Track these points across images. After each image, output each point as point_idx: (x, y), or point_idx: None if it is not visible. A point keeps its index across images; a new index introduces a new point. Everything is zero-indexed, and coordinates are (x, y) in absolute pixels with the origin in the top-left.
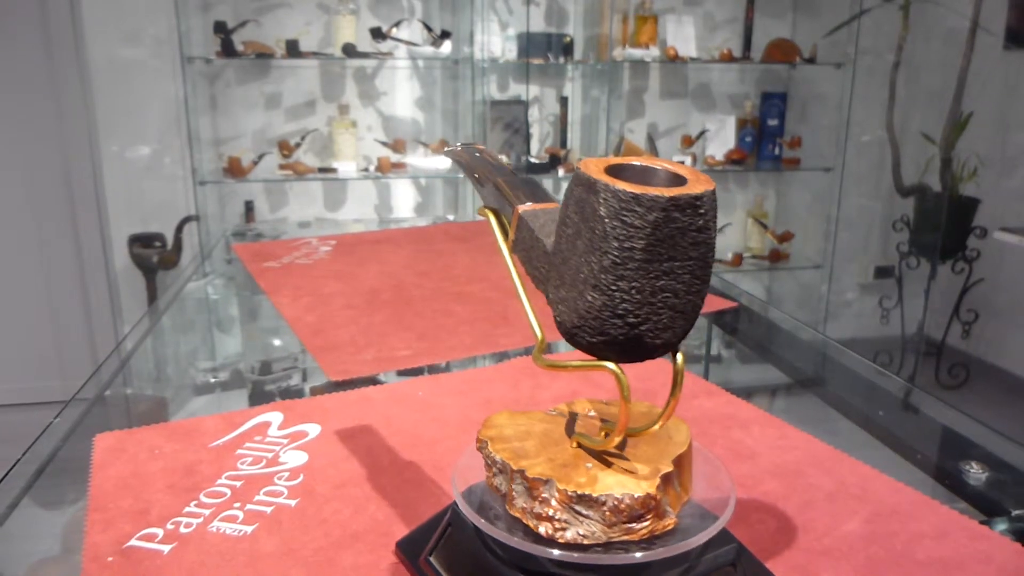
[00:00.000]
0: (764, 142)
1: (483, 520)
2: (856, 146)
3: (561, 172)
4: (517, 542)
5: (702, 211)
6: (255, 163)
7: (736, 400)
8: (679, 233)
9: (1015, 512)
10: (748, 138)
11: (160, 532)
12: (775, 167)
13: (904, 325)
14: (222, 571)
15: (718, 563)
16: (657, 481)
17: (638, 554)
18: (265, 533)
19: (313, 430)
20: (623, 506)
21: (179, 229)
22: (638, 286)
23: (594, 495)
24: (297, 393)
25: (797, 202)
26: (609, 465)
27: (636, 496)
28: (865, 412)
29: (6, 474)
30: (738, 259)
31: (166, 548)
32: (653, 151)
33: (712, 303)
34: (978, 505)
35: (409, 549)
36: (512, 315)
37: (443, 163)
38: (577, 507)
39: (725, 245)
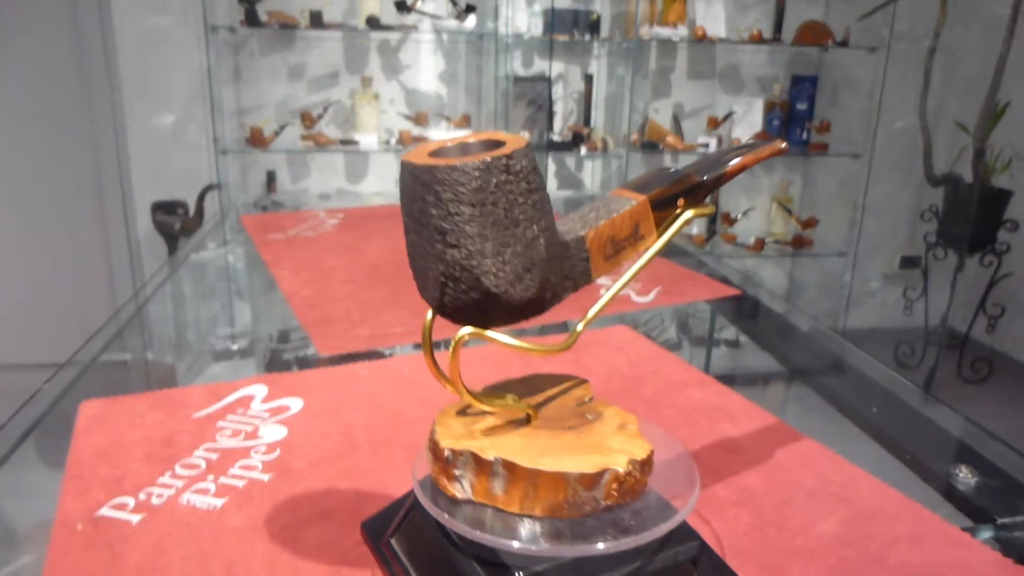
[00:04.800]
0: (792, 126)
1: (438, 508)
2: (887, 133)
3: (584, 151)
4: (469, 532)
5: (436, 188)
6: (276, 134)
7: (727, 391)
8: (420, 200)
9: (1000, 520)
10: (776, 121)
11: (131, 502)
12: (802, 152)
13: (928, 317)
14: (188, 545)
15: (678, 560)
16: (459, 449)
17: (600, 545)
18: (234, 508)
19: (296, 404)
20: (430, 442)
21: (201, 197)
22: (409, 235)
23: (435, 426)
24: (311, 364)
25: (823, 188)
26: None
27: (436, 440)
28: (860, 409)
29: None
30: (760, 244)
31: (135, 519)
32: (678, 132)
33: (715, 290)
34: (965, 511)
35: (373, 530)
36: None
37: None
38: (433, 428)
39: (748, 229)
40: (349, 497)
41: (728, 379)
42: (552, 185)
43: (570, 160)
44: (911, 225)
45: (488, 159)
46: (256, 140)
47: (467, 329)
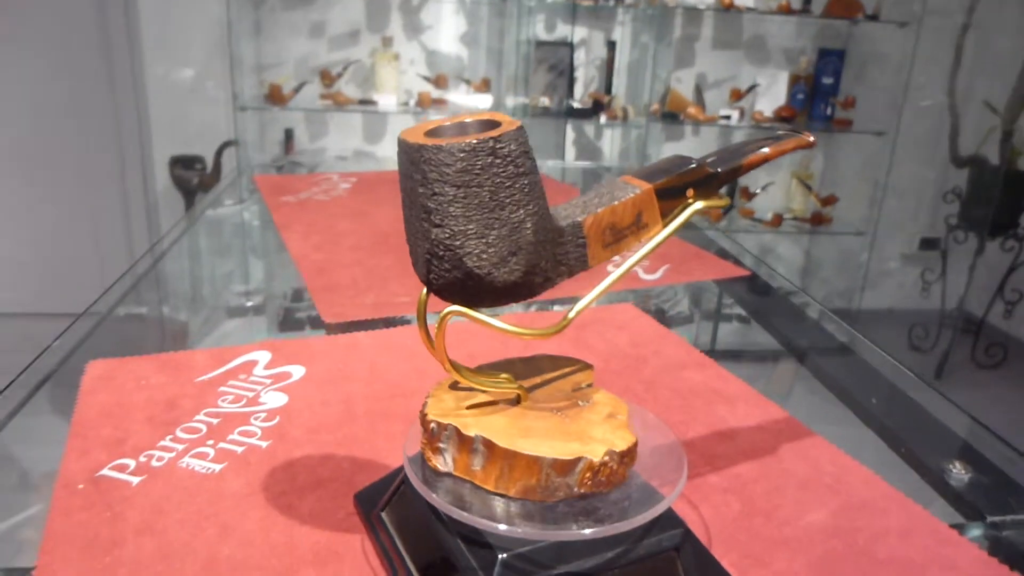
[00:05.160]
0: (817, 100)
1: (425, 486)
2: (913, 111)
3: (603, 119)
4: (457, 513)
5: (423, 167)
6: (296, 91)
7: (726, 374)
8: (410, 178)
9: (990, 519)
10: (800, 95)
11: (132, 463)
12: (826, 127)
13: (944, 300)
14: (185, 507)
15: (661, 546)
16: (444, 422)
17: (587, 531)
18: (232, 473)
19: (297, 372)
20: (421, 413)
21: (219, 153)
22: (404, 209)
23: (428, 398)
24: (322, 325)
25: (845, 165)
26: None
27: (425, 412)
28: (861, 398)
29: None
30: (778, 219)
31: (135, 480)
32: (700, 103)
33: (724, 270)
34: (957, 507)
35: (365, 502)
36: None
37: (484, 102)
38: (426, 400)
39: (766, 204)
40: (345, 467)
41: (730, 362)
42: (570, 154)
43: (589, 128)
44: (933, 206)
45: (474, 141)
46: (275, 97)
47: (453, 307)
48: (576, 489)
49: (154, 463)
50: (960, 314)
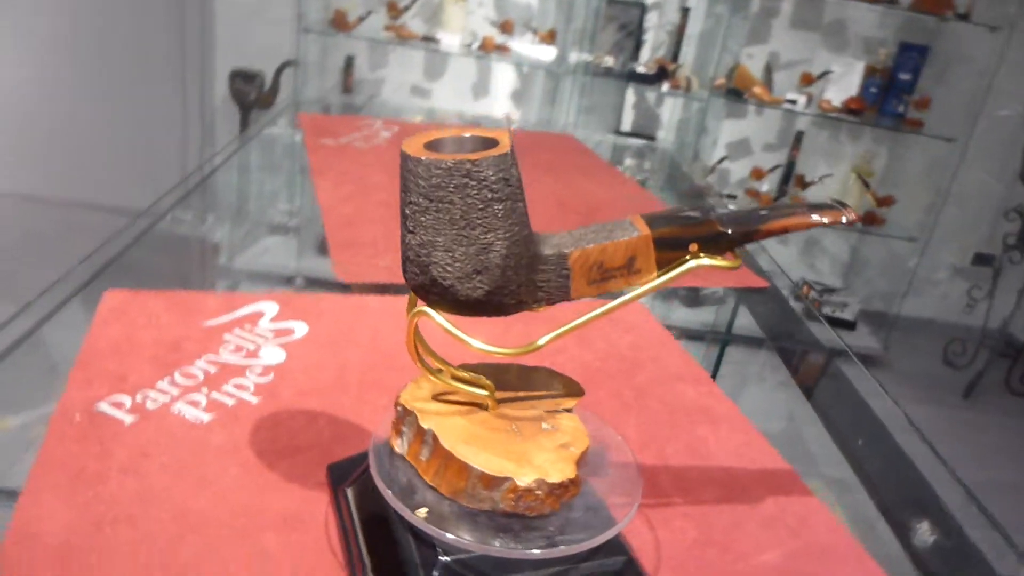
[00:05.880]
0: (890, 96)
1: (383, 482)
2: (990, 120)
3: (666, 87)
4: (408, 514)
5: (406, 175)
6: (361, 19)
7: (718, 393)
8: (407, 188)
9: None
10: (873, 88)
11: (128, 402)
12: (895, 125)
13: (988, 319)
14: (170, 453)
15: (602, 570)
16: (409, 408)
17: (536, 551)
18: (219, 426)
19: (300, 329)
20: (393, 400)
21: (278, 72)
22: (403, 217)
23: (411, 381)
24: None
25: (910, 167)
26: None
27: (399, 394)
28: (850, 438)
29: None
30: None
31: (128, 419)
32: (768, 83)
33: (743, 278)
34: (918, 567)
35: (336, 474)
36: None
37: (548, 53)
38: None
39: (820, 195)
40: (325, 435)
41: (725, 379)
42: (627, 118)
43: (650, 94)
44: (993, 222)
45: (450, 162)
46: (339, 23)
47: (421, 308)
48: (500, 505)
49: (148, 404)
50: (1002, 336)
